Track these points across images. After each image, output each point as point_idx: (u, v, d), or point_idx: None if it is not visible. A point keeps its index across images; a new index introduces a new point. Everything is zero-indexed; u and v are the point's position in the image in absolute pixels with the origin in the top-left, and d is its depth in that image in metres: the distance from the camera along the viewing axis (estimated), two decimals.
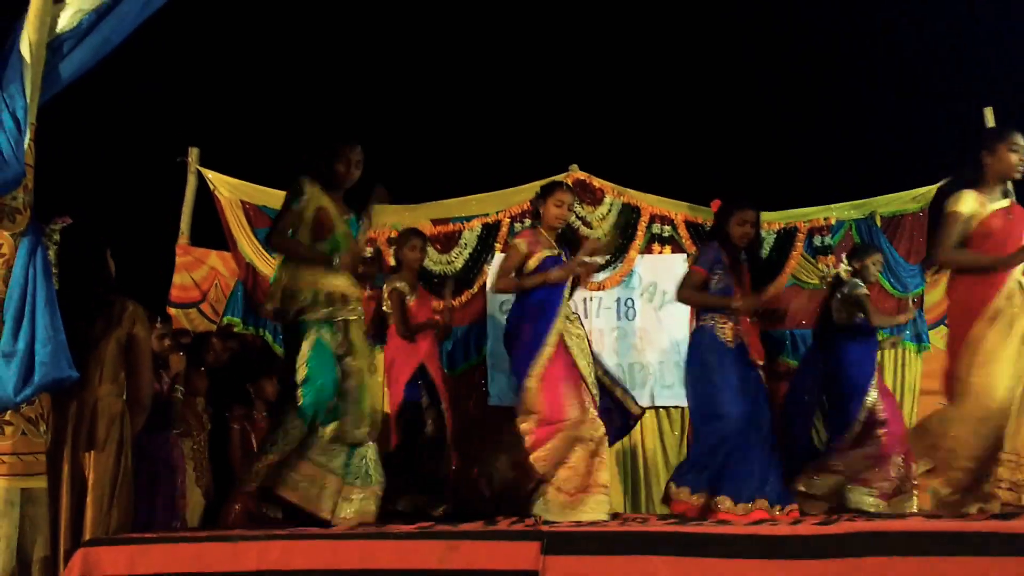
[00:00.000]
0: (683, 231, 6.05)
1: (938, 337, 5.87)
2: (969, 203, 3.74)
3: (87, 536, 3.12)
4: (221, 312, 5.96)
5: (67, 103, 3.24)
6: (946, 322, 5.76)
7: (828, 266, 5.53)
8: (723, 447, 4.24)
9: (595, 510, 4.19)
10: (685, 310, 4.83)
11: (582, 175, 6.11)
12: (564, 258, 4.49)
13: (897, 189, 6.12)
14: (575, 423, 4.24)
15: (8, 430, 2.92)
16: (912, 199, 6.08)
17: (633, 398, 4.76)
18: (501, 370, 5.65)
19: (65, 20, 3.12)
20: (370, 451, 3.82)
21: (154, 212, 6.43)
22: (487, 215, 6.11)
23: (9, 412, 2.91)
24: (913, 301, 5.88)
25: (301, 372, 3.64)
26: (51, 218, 3.38)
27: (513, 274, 4.46)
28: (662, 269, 5.99)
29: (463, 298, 5.93)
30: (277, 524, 3.60)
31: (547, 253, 4.46)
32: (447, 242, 6.04)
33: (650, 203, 6.11)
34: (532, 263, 4.43)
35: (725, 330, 4.44)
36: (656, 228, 6.05)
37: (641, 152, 7.08)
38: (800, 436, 5.11)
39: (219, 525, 4.48)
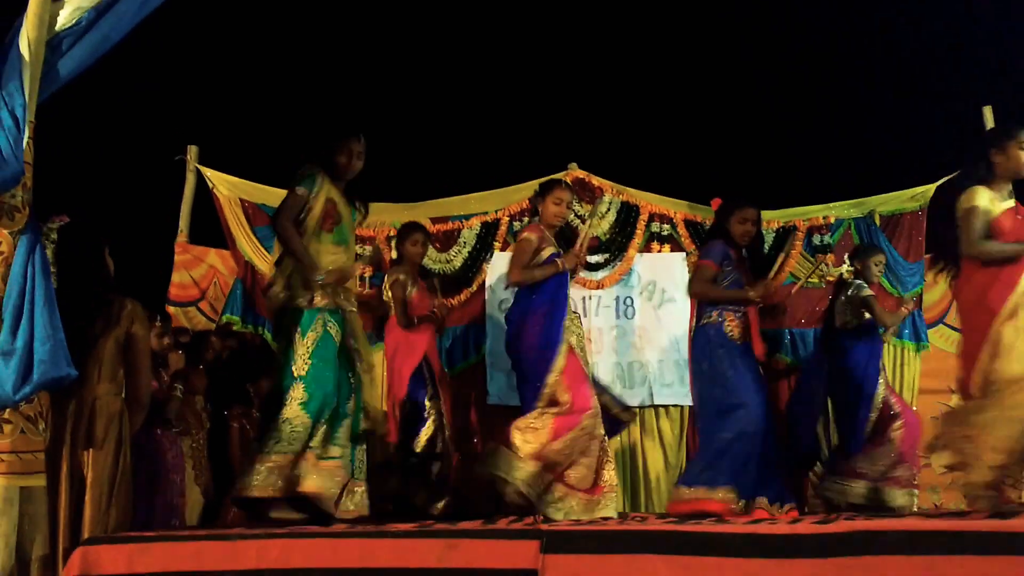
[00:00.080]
0: (682, 230, 6.03)
1: (937, 336, 5.87)
2: (984, 198, 3.73)
3: (86, 534, 3.11)
4: (220, 310, 5.94)
5: (66, 101, 3.24)
6: (947, 322, 5.83)
7: (827, 264, 5.53)
8: (740, 441, 4.20)
9: (607, 508, 4.20)
10: (685, 309, 4.82)
11: (581, 173, 6.09)
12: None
13: (896, 188, 6.11)
14: (595, 414, 4.23)
15: (7, 428, 2.91)
16: (911, 198, 6.06)
17: (620, 402, 4.73)
18: (500, 369, 5.63)
19: (64, 18, 3.11)
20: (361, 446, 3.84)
21: (153, 210, 6.42)
22: (486, 213, 6.08)
23: (8, 410, 2.91)
24: (912, 300, 5.87)
25: (304, 366, 3.63)
26: (49, 216, 3.38)
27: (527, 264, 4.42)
28: (661, 268, 5.97)
29: (462, 296, 5.91)
30: (277, 523, 3.58)
31: (552, 249, 4.46)
32: (446, 240, 6.02)
33: (649, 201, 6.10)
34: (543, 255, 4.43)
35: (732, 327, 4.41)
36: (655, 227, 6.03)
37: (640, 150, 7.08)
38: (803, 437, 5.09)
39: (218, 524, 4.48)
